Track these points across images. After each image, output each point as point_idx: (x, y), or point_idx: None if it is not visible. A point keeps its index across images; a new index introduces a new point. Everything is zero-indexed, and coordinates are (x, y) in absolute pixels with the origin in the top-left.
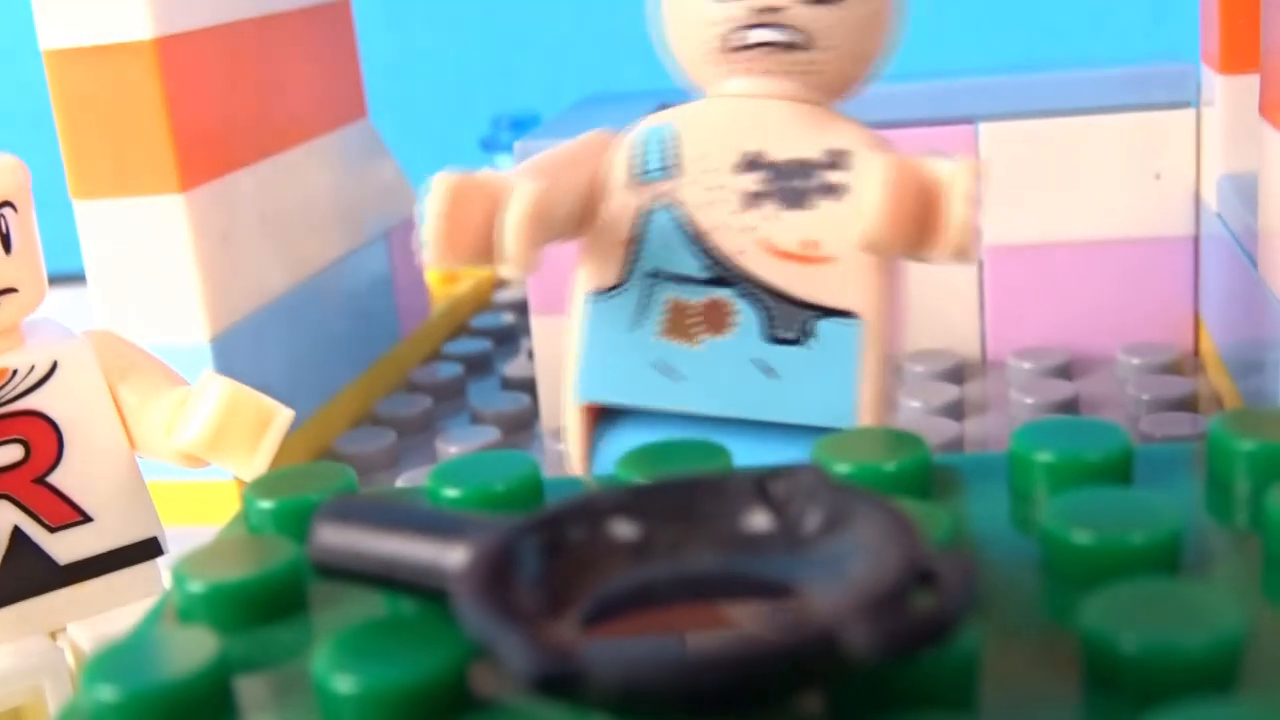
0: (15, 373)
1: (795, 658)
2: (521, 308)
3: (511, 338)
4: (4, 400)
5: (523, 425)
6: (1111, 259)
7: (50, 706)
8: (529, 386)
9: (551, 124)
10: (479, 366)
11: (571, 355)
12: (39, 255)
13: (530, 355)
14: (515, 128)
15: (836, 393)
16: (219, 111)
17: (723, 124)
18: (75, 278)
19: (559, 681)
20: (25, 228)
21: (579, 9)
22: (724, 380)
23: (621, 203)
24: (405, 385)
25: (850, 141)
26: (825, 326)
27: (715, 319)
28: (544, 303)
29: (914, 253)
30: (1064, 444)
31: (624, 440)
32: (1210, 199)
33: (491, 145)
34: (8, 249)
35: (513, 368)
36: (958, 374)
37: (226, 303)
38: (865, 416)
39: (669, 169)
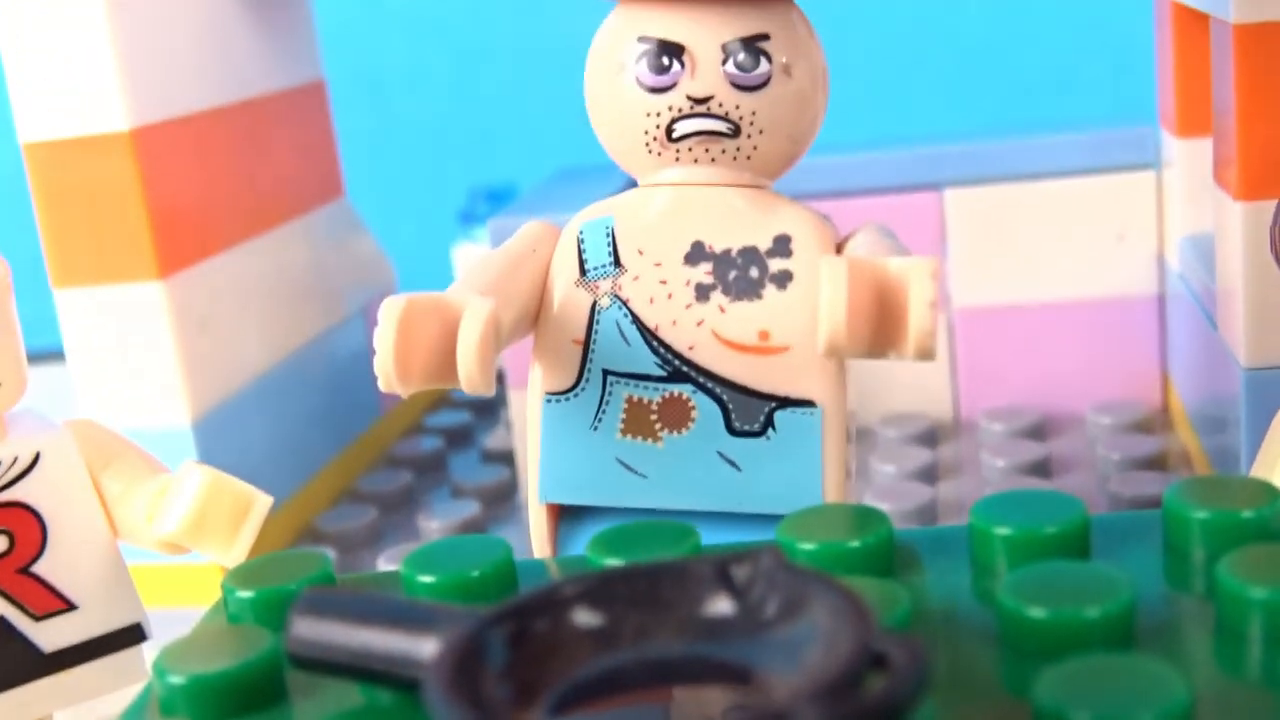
0: None
1: None
2: (500, 378)
3: (491, 408)
4: None
5: (503, 497)
6: (1079, 319)
7: None
8: (509, 458)
9: (527, 198)
10: (459, 438)
11: (531, 456)
12: (20, 348)
13: (508, 426)
14: (492, 199)
15: (800, 481)
16: (197, 197)
17: (662, 215)
18: (54, 355)
19: None
20: (6, 322)
21: (554, 81)
22: (687, 475)
23: (570, 302)
24: (386, 460)
25: (792, 226)
26: (784, 417)
27: (674, 415)
28: (522, 376)
29: (874, 353)
30: (1022, 517)
31: (588, 538)
32: (1173, 259)
33: (469, 218)
34: None
35: (493, 439)
36: (931, 437)
37: (207, 385)
38: (830, 500)
39: (612, 265)
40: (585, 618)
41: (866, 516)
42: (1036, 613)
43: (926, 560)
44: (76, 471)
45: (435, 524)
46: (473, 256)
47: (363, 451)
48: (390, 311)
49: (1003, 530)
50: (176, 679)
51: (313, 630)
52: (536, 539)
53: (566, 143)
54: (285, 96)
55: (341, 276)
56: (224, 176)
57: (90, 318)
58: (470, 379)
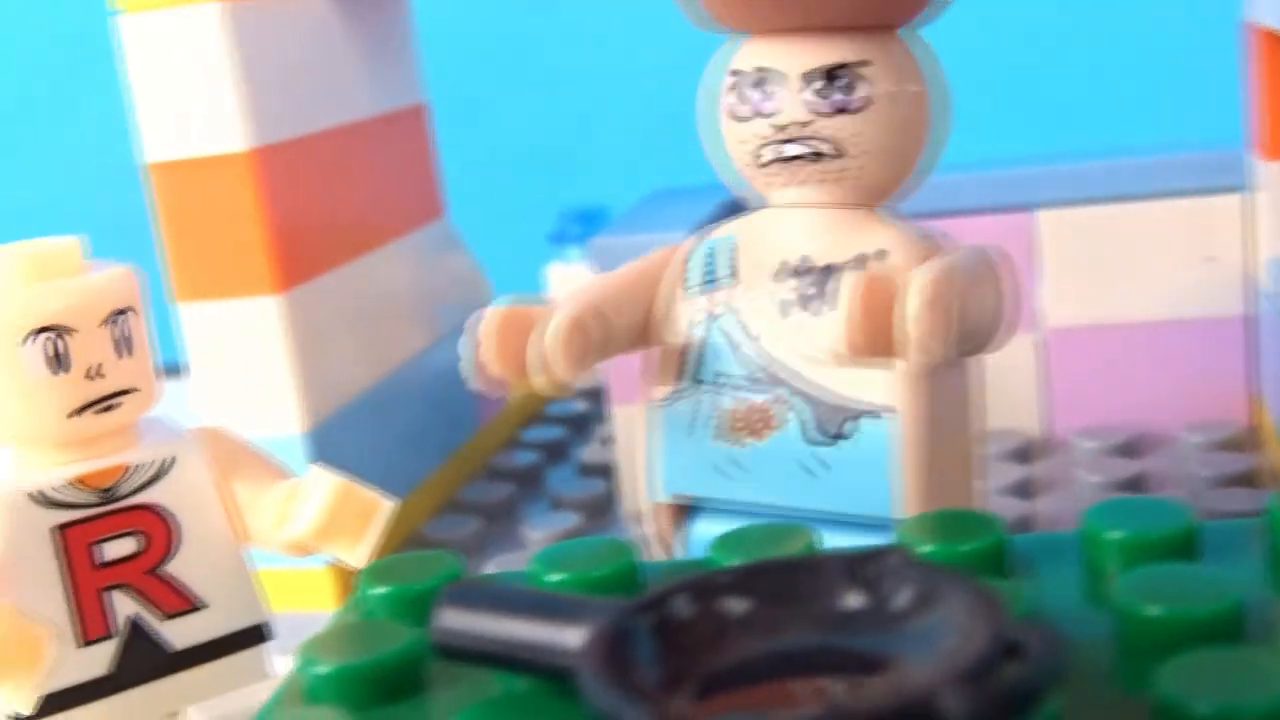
0: (132, 469)
1: None
2: (592, 395)
3: (585, 424)
4: (121, 495)
5: (602, 510)
6: (1168, 339)
7: None
8: (606, 472)
9: (623, 220)
10: (557, 453)
11: (645, 455)
12: (152, 357)
13: (603, 442)
14: (583, 221)
15: (877, 488)
16: (310, 215)
17: (775, 232)
18: (168, 369)
19: None
20: (141, 331)
21: (645, 103)
22: (777, 474)
23: (681, 312)
24: (487, 472)
25: (886, 243)
26: (862, 425)
27: (763, 422)
28: (623, 392)
29: (894, 358)
30: (1133, 522)
31: (705, 529)
32: (1263, 280)
33: (560, 238)
34: (126, 352)
35: (590, 454)
36: (1024, 454)
37: (319, 397)
38: (910, 511)
39: (724, 278)
40: (726, 609)
41: (980, 521)
42: (1152, 611)
43: (1038, 564)
44: (206, 476)
45: (538, 534)
46: (564, 275)
47: (463, 464)
48: (492, 315)
49: (1115, 535)
50: (322, 669)
51: (458, 621)
52: (657, 534)
53: (655, 165)
54: (390, 119)
55: (442, 294)
56: (334, 196)
57: (210, 330)
58: (541, 373)
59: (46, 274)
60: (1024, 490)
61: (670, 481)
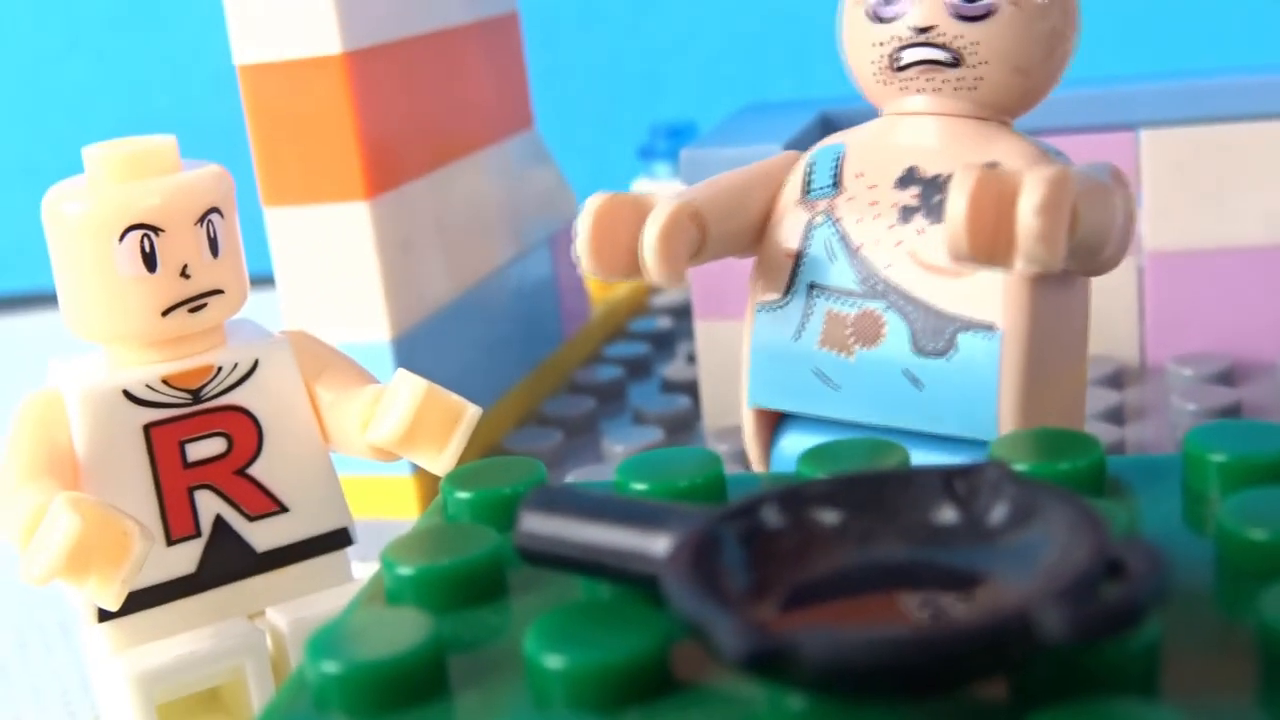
0: (220, 370)
1: (995, 639)
2: (677, 312)
3: (669, 341)
4: (209, 396)
5: (685, 426)
6: (1268, 265)
7: (250, 686)
8: (689, 389)
9: (713, 133)
10: (639, 369)
11: (743, 363)
12: (242, 259)
13: (689, 359)
14: (671, 136)
15: (977, 405)
16: (400, 122)
17: (885, 142)
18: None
19: (770, 660)
20: (230, 233)
21: (731, 20)
22: (875, 390)
23: (791, 218)
24: (568, 386)
25: (1004, 155)
26: (966, 339)
27: (867, 330)
28: (707, 307)
29: (1001, 262)
30: (1236, 445)
31: (794, 443)
32: None
33: (649, 153)
34: (215, 253)
35: (672, 370)
36: (1117, 379)
37: (406, 305)
38: (1006, 430)
39: (834, 186)
40: (815, 520)
41: (1078, 441)
42: (1256, 535)
43: (1137, 487)
44: (292, 379)
45: (620, 448)
46: (651, 191)
47: (545, 378)
48: (593, 202)
49: (1218, 457)
50: (406, 570)
51: (543, 525)
52: (749, 445)
53: (744, 82)
54: (482, 26)
55: (529, 206)
56: (424, 103)
57: (298, 236)
58: (648, 268)
59: (139, 173)
60: (1117, 416)
61: (766, 392)
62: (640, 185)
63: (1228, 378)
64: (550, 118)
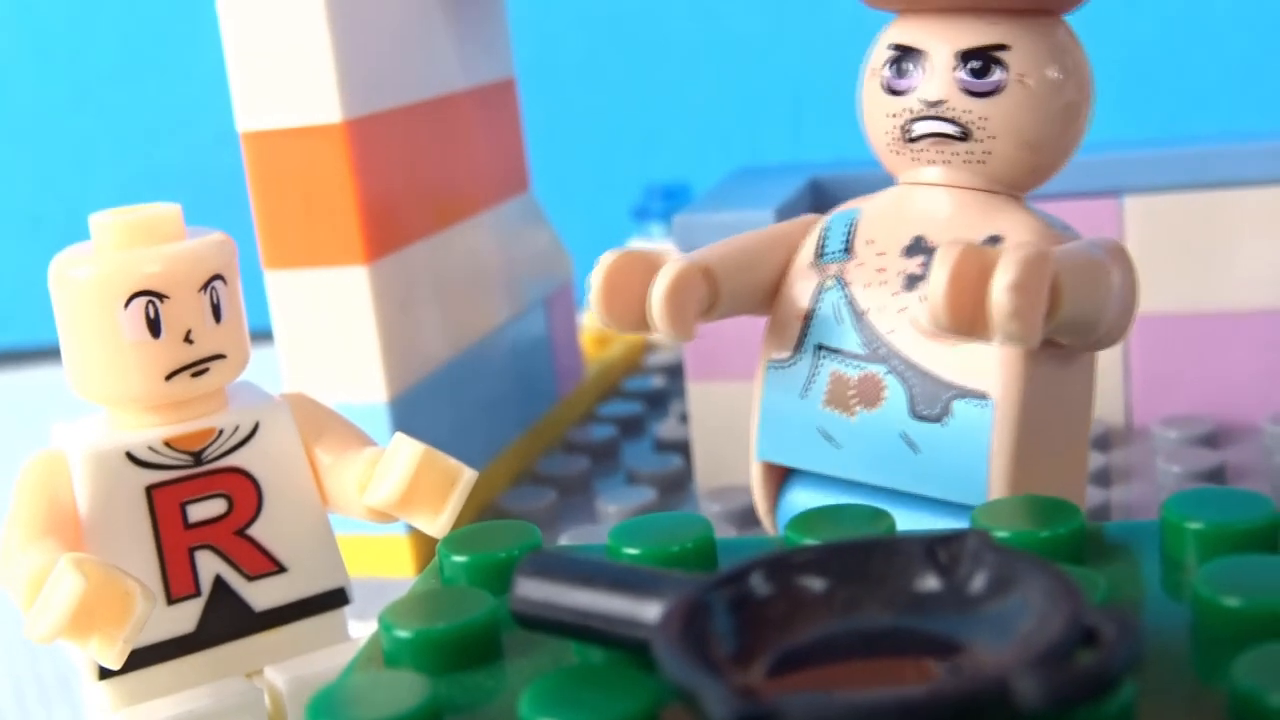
0: (221, 432)
1: (973, 704)
2: (670, 371)
3: (662, 401)
4: (210, 458)
5: (677, 486)
6: (1253, 329)
7: None
8: (681, 448)
9: (707, 198)
10: (632, 428)
11: (753, 417)
12: (244, 323)
13: (681, 418)
14: (666, 197)
15: (970, 472)
16: (399, 187)
17: (897, 211)
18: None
19: None
20: (233, 298)
21: (725, 83)
22: (874, 451)
23: (803, 280)
24: (563, 445)
25: (1008, 227)
26: (960, 406)
27: (868, 393)
28: (700, 369)
29: (980, 335)
30: (1214, 513)
31: (800, 497)
32: None
33: (643, 214)
34: (218, 318)
35: (665, 429)
36: (1104, 441)
37: (403, 367)
38: (1000, 494)
39: (845, 251)
40: (802, 587)
41: (1059, 508)
42: (1231, 602)
43: (1117, 553)
44: (292, 441)
45: (613, 508)
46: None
47: (540, 436)
48: (604, 260)
49: (1195, 525)
50: (403, 633)
51: (537, 590)
52: (757, 498)
53: (738, 144)
54: (480, 92)
55: (525, 267)
56: (423, 168)
57: (298, 298)
58: (659, 321)
59: (145, 240)
60: (1102, 479)
61: (774, 447)
62: (635, 245)
63: (1212, 440)
64: (545, 178)
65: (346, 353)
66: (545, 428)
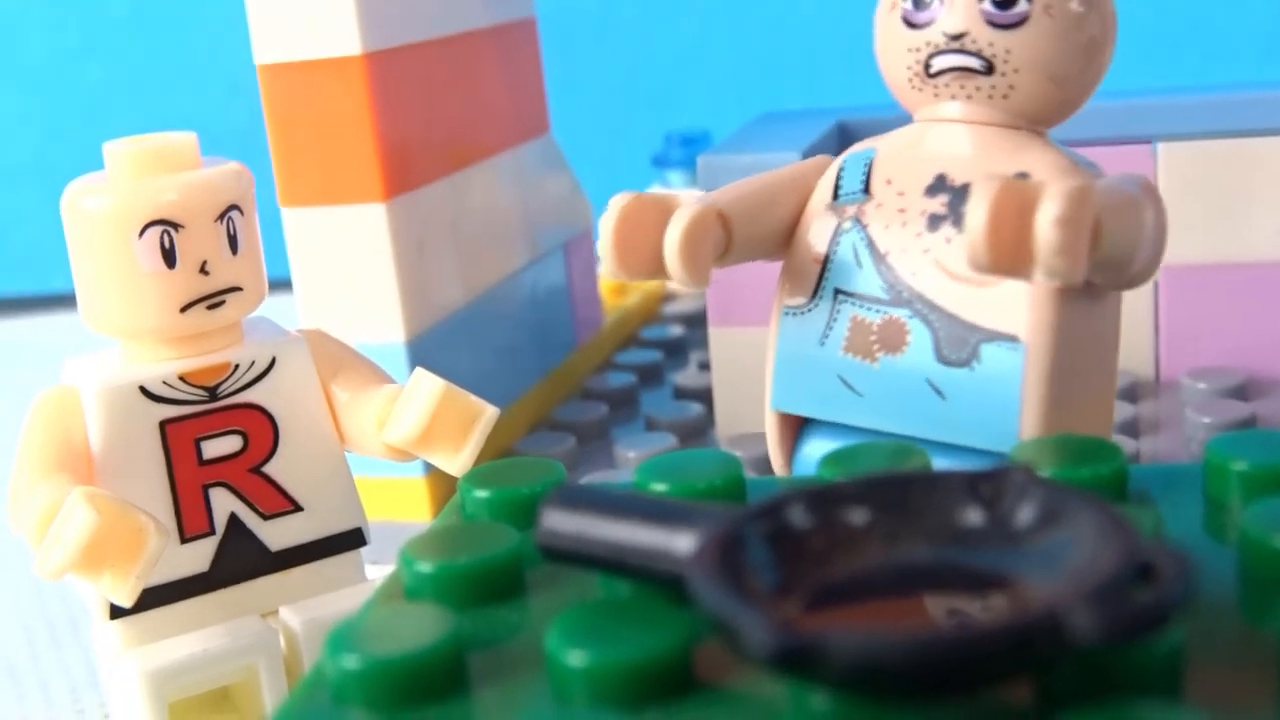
0: (237, 367)
1: (1024, 639)
2: (689, 320)
3: (681, 349)
4: (225, 393)
5: (697, 433)
6: None
7: (263, 685)
8: (701, 396)
9: (731, 140)
10: (651, 376)
11: (768, 366)
12: (261, 256)
13: (702, 366)
14: (686, 145)
15: (1000, 418)
16: (419, 125)
17: (916, 149)
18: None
19: (798, 658)
20: (250, 230)
21: (745, 30)
22: (898, 398)
23: (819, 222)
24: (580, 393)
25: (1035, 165)
26: (989, 350)
27: (891, 338)
28: (721, 315)
29: (1020, 272)
30: (1258, 454)
31: (817, 448)
32: None
33: (663, 161)
34: (235, 250)
35: (685, 377)
36: (1132, 393)
37: (421, 308)
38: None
39: (863, 192)
40: (842, 520)
41: (1100, 448)
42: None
43: (1158, 495)
44: (309, 378)
45: (632, 454)
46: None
47: (557, 384)
48: (618, 202)
49: (1240, 466)
50: (425, 567)
51: (565, 523)
52: (772, 448)
53: (759, 92)
54: (501, 31)
55: (544, 212)
56: (443, 106)
57: (315, 236)
58: (674, 268)
59: (160, 169)
60: (1131, 430)
61: (790, 397)
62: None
63: (1242, 392)
64: (565, 125)
65: (364, 292)
66: (563, 375)
